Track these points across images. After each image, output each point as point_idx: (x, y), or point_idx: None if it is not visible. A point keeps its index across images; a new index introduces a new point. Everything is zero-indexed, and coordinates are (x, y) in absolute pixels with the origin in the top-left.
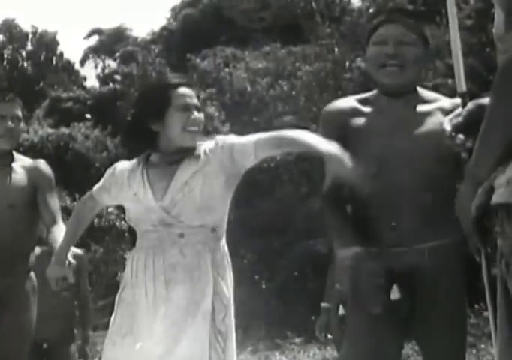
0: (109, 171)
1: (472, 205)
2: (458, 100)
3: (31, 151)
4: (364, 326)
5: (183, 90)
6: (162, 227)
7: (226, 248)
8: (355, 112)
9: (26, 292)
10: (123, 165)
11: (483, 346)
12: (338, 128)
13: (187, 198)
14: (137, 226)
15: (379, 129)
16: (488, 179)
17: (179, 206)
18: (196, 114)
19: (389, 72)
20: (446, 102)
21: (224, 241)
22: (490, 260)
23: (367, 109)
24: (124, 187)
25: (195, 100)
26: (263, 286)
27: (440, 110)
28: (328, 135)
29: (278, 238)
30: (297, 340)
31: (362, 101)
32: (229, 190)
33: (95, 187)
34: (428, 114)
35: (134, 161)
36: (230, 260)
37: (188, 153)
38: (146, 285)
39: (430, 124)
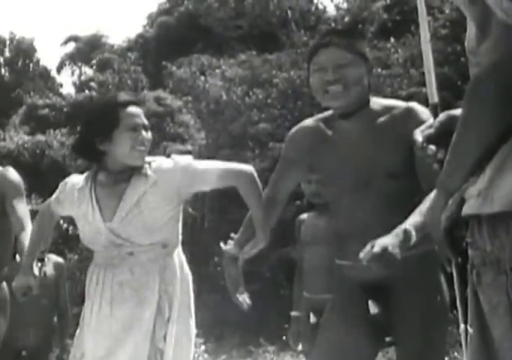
0: (61, 186)
1: (442, 216)
2: (409, 105)
3: (8, 157)
4: (340, 334)
5: (132, 109)
6: (112, 247)
7: (181, 261)
8: (319, 134)
9: None
10: (73, 181)
11: (456, 354)
12: (303, 152)
13: (136, 219)
14: (89, 245)
15: (335, 152)
16: (459, 190)
17: (128, 228)
18: (144, 134)
19: (333, 95)
20: (397, 109)
21: (176, 255)
22: (461, 270)
23: (328, 131)
24: (74, 205)
25: (143, 120)
26: None
27: (392, 120)
28: (288, 157)
29: None
30: (271, 348)
31: (325, 122)
32: (180, 207)
33: (52, 198)
34: (380, 127)
35: (83, 178)
36: (187, 273)
37: (135, 171)
38: (93, 300)
39: (381, 139)
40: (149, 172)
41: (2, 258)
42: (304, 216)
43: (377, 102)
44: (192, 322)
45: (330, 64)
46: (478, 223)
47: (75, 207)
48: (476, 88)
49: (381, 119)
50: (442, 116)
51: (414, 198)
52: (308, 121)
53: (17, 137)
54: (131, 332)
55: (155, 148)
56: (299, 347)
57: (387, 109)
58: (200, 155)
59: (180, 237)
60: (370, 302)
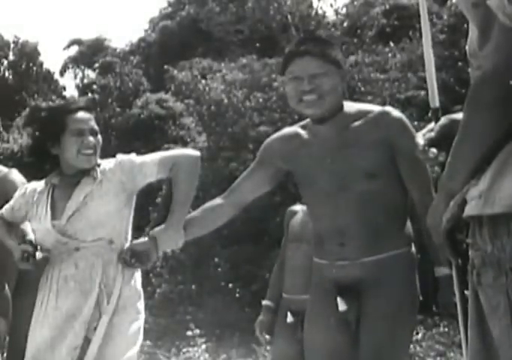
0: (20, 191)
1: (443, 218)
2: (384, 109)
3: (11, 159)
4: (320, 337)
5: (79, 115)
6: (60, 245)
7: None
8: (296, 139)
9: None
10: (33, 186)
11: (452, 354)
12: (275, 156)
13: (81, 216)
14: (41, 245)
15: (312, 154)
16: (460, 192)
17: (74, 225)
18: (90, 138)
19: (308, 104)
20: (372, 113)
21: None
22: (461, 271)
23: (306, 135)
24: (33, 207)
25: (91, 125)
26: (237, 295)
27: (367, 123)
28: (259, 157)
29: (252, 247)
30: (270, 347)
31: (303, 127)
32: (129, 204)
33: (5, 210)
34: (355, 130)
35: (43, 182)
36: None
37: (85, 174)
38: (43, 295)
39: (357, 141)
40: (97, 173)
41: (5, 261)
42: (297, 208)
43: (351, 106)
44: (135, 316)
45: (305, 73)
46: (479, 224)
47: (33, 209)
48: (477, 90)
49: (356, 123)
50: (443, 120)
51: (392, 198)
52: (287, 129)
53: (21, 139)
54: (72, 322)
55: (156, 150)
56: (265, 337)
57: (362, 113)
58: (201, 157)
59: (129, 235)
60: (339, 299)
